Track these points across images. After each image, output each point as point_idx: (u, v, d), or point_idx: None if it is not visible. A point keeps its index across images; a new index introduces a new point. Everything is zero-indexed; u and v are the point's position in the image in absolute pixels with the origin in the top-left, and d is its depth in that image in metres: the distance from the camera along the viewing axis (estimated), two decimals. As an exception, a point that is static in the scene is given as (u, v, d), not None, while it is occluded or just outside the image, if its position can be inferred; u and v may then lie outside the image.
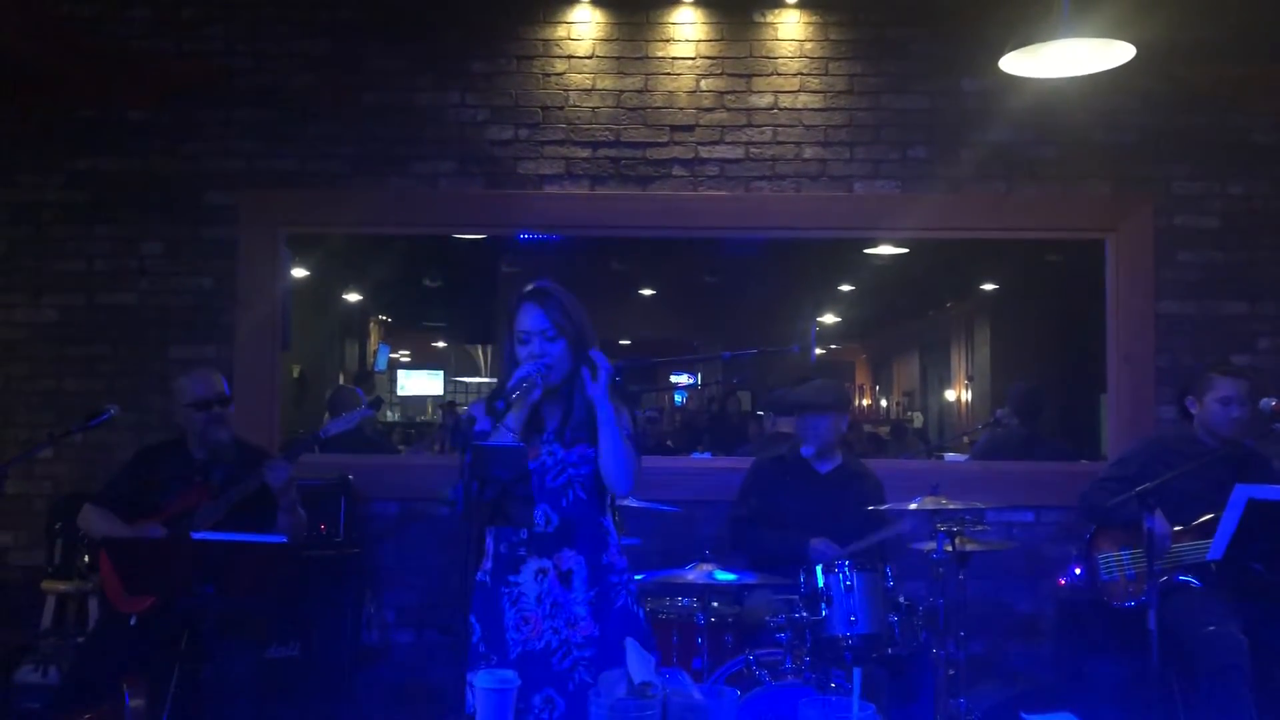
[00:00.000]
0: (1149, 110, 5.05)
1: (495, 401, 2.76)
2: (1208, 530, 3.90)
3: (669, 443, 10.12)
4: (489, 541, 2.94)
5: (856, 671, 1.58)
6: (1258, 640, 3.75)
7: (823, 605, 3.62)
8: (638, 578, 3.80)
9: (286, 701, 4.21)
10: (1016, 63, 3.75)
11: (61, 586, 4.68)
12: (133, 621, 3.77)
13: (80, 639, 4.47)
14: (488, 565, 2.90)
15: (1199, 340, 5.00)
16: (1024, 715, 1.49)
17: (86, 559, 4.61)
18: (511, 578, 2.84)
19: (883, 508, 4.14)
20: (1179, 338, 5.01)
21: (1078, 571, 4.28)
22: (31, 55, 4.71)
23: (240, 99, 5.11)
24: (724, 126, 5.12)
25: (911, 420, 14.51)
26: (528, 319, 2.85)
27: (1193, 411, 4.20)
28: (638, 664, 1.77)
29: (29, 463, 4.70)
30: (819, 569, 3.69)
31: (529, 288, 2.90)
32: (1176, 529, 3.93)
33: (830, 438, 4.37)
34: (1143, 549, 3.84)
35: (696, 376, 14.76)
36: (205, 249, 5.09)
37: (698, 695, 1.74)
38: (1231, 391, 4.09)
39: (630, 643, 1.89)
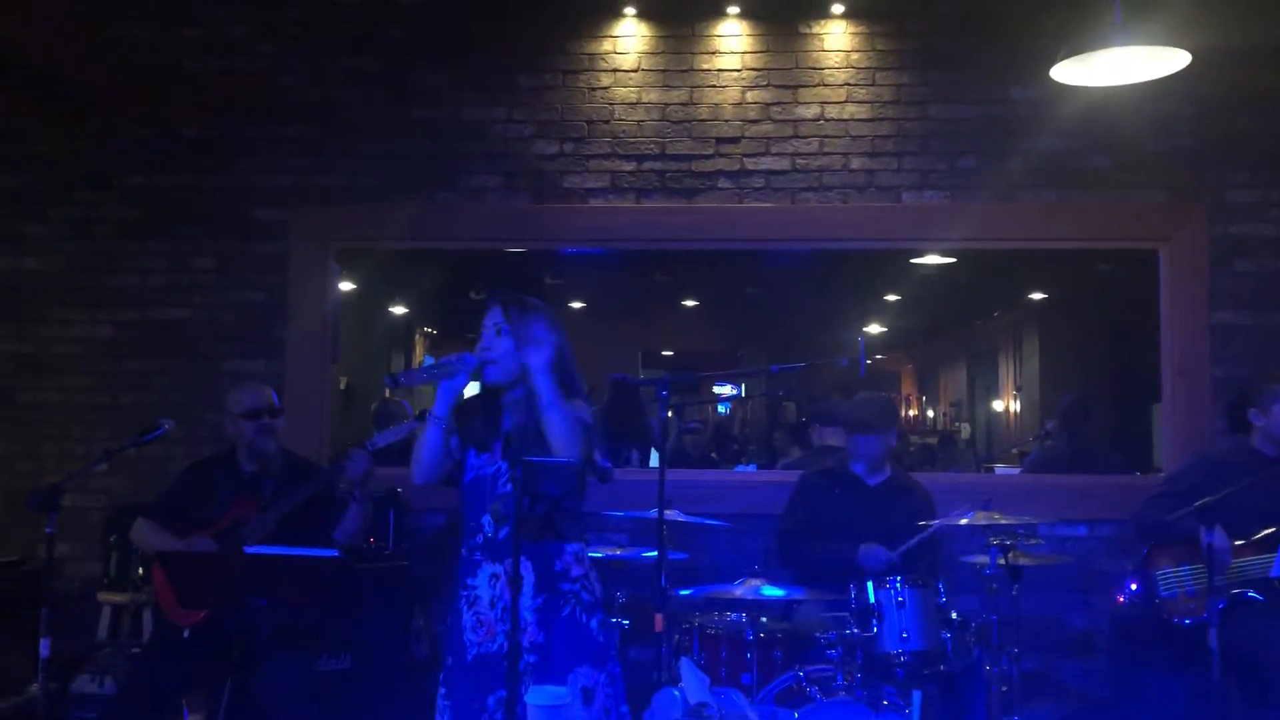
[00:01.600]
0: (1204, 117, 4.97)
1: (399, 375, 2.89)
2: (1270, 544, 3.83)
3: (713, 454, 10.08)
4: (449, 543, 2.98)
5: (916, 694, 1.55)
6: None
7: (874, 621, 3.60)
8: (684, 592, 3.82)
9: (337, 713, 4.22)
10: (1068, 71, 3.70)
11: (117, 598, 4.75)
12: (186, 635, 3.81)
13: (135, 650, 4.53)
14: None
15: (1256, 350, 4.91)
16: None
17: (141, 571, 4.67)
18: (469, 580, 2.89)
19: (934, 522, 4.11)
20: (1235, 348, 4.92)
21: (1134, 587, 4.21)
22: (87, 76, 4.80)
23: (290, 116, 5.17)
24: (770, 138, 5.11)
25: (959, 431, 14.35)
26: (487, 315, 2.96)
27: (1257, 424, 4.11)
28: (692, 684, 1.76)
29: (85, 475, 4.77)
30: (870, 584, 3.66)
31: (497, 292, 3.00)
32: (1238, 544, 3.85)
33: (880, 454, 4.35)
34: (1202, 564, 3.77)
35: (740, 388, 14.70)
36: (256, 264, 5.16)
37: (753, 716, 1.72)
38: None
39: (685, 661, 1.88)
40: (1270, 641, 3.68)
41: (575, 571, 2.91)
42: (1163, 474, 5.02)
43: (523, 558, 2.80)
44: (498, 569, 2.85)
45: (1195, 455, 4.39)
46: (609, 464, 2.98)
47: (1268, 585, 3.83)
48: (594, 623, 2.87)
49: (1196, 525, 3.70)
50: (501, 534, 2.85)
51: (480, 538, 2.89)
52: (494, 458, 2.93)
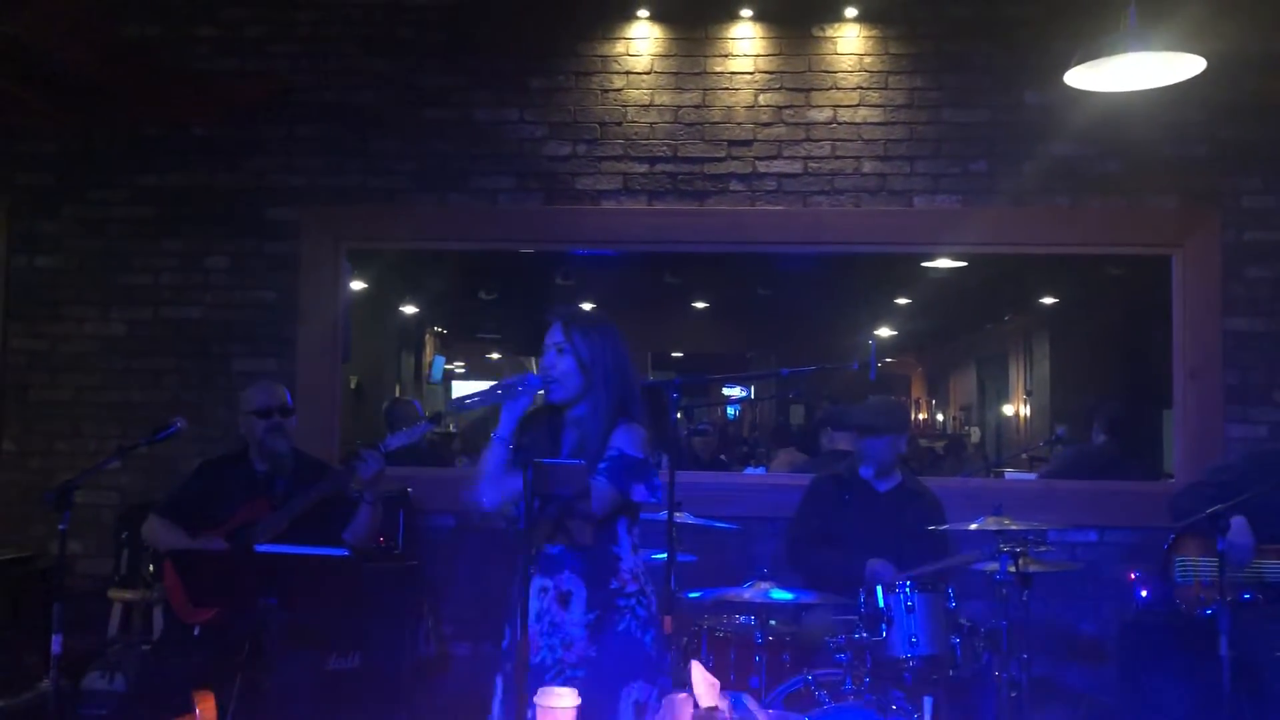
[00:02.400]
0: (1218, 123, 4.96)
1: (460, 400, 2.91)
2: None
3: (722, 457, 10.08)
4: None
5: (927, 700, 1.55)
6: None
7: (883, 626, 3.59)
8: (693, 595, 3.82)
9: (346, 713, 4.23)
10: (1082, 76, 3.69)
11: (127, 595, 4.77)
12: (196, 632, 3.82)
13: (146, 647, 4.55)
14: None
15: (1269, 356, 4.89)
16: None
17: (151, 569, 4.69)
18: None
19: (943, 528, 4.10)
20: (1249, 354, 4.91)
21: (1143, 595, 4.20)
22: (100, 75, 4.81)
23: (303, 116, 5.19)
24: (782, 141, 5.10)
25: (969, 435, 14.32)
26: (548, 334, 2.97)
27: None
28: (704, 688, 1.76)
29: (97, 473, 4.79)
30: (879, 589, 3.66)
31: (556, 308, 3.01)
32: (1263, 546, 3.83)
33: (889, 459, 4.33)
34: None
35: (749, 390, 14.69)
36: (268, 263, 5.17)
37: (762, 719, 1.72)
38: None
39: (695, 665, 1.88)
40: (1265, 641, 3.66)
41: (631, 587, 2.90)
42: (1173, 479, 5.01)
43: (573, 575, 2.85)
44: (547, 583, 2.87)
45: (1251, 449, 4.42)
46: (650, 494, 2.97)
47: (1272, 589, 3.81)
48: (648, 638, 2.88)
49: (1210, 529, 3.72)
50: (555, 549, 2.86)
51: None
52: None
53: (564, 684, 2.73)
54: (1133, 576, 4.46)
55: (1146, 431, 7.92)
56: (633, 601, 2.89)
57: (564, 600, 2.85)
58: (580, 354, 2.92)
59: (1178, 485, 4.71)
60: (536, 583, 2.87)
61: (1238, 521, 3.74)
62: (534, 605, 2.84)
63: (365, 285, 8.96)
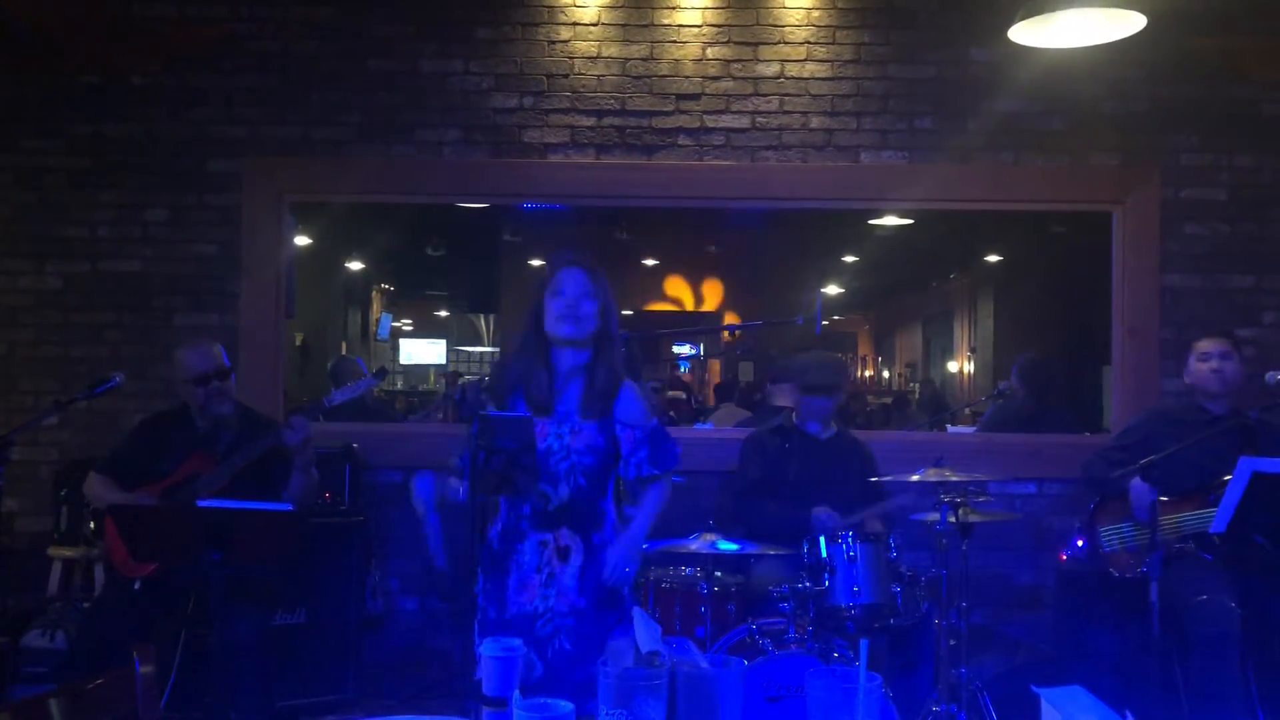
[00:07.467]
0: (1158, 81, 5.02)
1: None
2: (1208, 500, 3.92)
3: (671, 414, 10.13)
4: (503, 505, 3.06)
5: (863, 643, 1.58)
6: (1261, 613, 3.76)
7: (826, 575, 3.65)
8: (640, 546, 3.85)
9: (292, 668, 4.24)
10: (1026, 32, 3.72)
11: (67, 552, 4.71)
12: (136, 586, 3.79)
13: (86, 604, 4.50)
14: (499, 528, 3.06)
15: (1205, 313, 4.99)
16: (1034, 689, 1.49)
17: (92, 526, 4.63)
18: (517, 545, 3.02)
19: (886, 479, 4.18)
20: (1185, 310, 5.01)
21: (1080, 544, 4.30)
22: (36, 20, 4.67)
23: (245, 65, 5.08)
24: (730, 95, 5.09)
25: (913, 392, 14.51)
26: (570, 280, 3.02)
27: (1188, 380, 4.23)
28: (645, 633, 1.78)
29: (35, 429, 4.71)
30: (822, 539, 3.72)
31: (574, 255, 3.08)
32: (1165, 499, 3.93)
33: (830, 414, 4.44)
34: (1141, 521, 3.89)
35: (699, 347, 14.75)
36: (210, 216, 5.08)
37: (705, 665, 1.74)
38: (1206, 348, 4.14)
39: (637, 611, 1.90)
40: (1188, 588, 3.77)
41: (611, 541, 3.04)
42: (1111, 433, 5.12)
43: (570, 530, 2.99)
44: (547, 537, 2.99)
45: (1147, 410, 4.50)
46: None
47: (1207, 540, 3.91)
48: (625, 590, 3.03)
49: (1128, 480, 3.82)
50: (552, 506, 2.98)
51: (528, 508, 2.98)
52: (551, 426, 2.98)
53: (552, 631, 2.94)
54: (1063, 558, 4.56)
55: (1056, 384, 8.06)
56: None
57: (563, 554, 2.98)
58: (605, 299, 3.02)
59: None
60: (535, 537, 2.99)
61: (1134, 484, 3.85)
62: (532, 558, 2.99)
63: (310, 240, 8.86)
